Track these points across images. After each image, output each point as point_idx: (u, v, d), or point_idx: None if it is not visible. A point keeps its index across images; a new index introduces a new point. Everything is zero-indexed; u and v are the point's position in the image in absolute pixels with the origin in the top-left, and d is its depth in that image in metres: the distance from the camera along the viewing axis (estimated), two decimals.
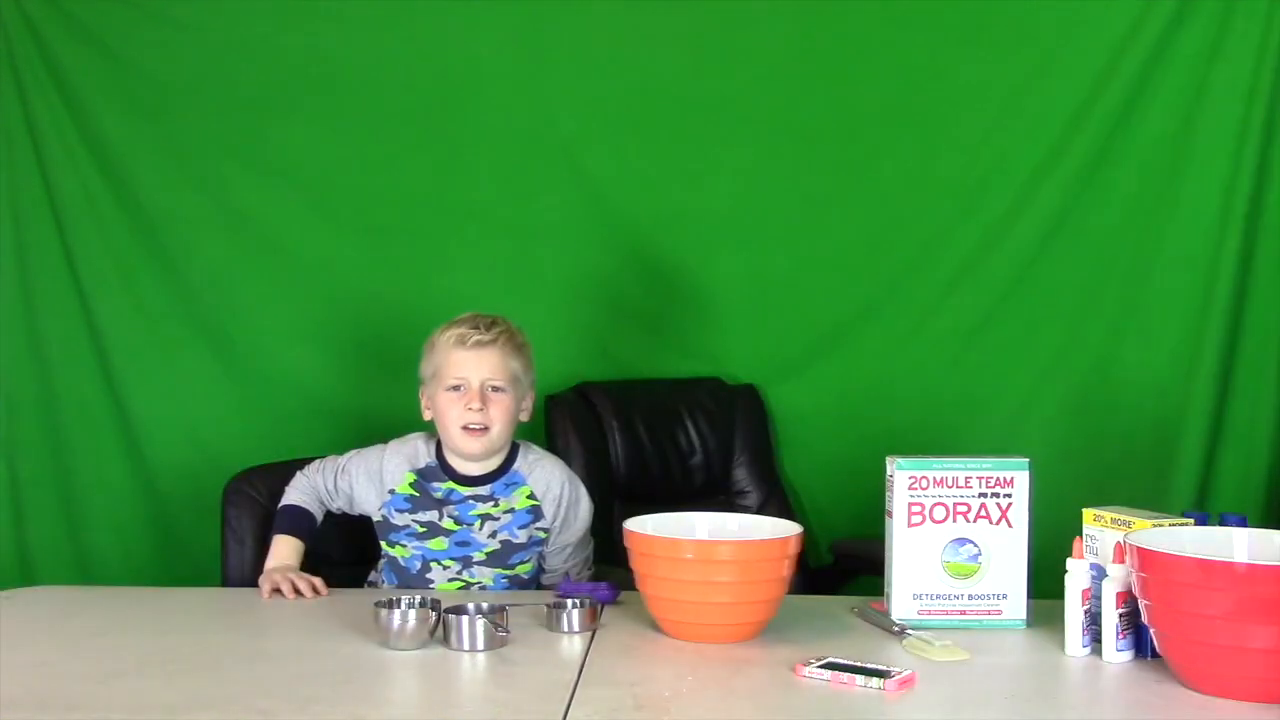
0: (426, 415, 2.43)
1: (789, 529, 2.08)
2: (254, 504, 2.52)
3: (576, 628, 2.04)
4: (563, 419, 3.02)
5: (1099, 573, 1.94)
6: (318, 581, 2.29)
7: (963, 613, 2.08)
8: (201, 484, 3.13)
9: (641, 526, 2.05)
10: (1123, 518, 1.95)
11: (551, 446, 2.97)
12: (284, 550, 2.39)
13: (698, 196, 3.20)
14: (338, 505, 2.48)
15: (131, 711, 1.70)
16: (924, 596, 2.08)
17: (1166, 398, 2.98)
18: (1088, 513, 2.02)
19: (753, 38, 3.12)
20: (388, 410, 3.15)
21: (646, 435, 3.11)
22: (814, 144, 3.15)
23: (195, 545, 2.99)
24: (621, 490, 3.05)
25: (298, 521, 2.43)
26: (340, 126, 3.13)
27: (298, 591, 2.26)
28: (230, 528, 2.51)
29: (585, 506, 2.48)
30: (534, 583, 2.46)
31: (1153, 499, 2.90)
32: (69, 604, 2.30)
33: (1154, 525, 1.91)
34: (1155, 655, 1.86)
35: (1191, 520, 1.96)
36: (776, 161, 3.16)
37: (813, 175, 3.16)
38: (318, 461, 2.50)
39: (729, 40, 3.13)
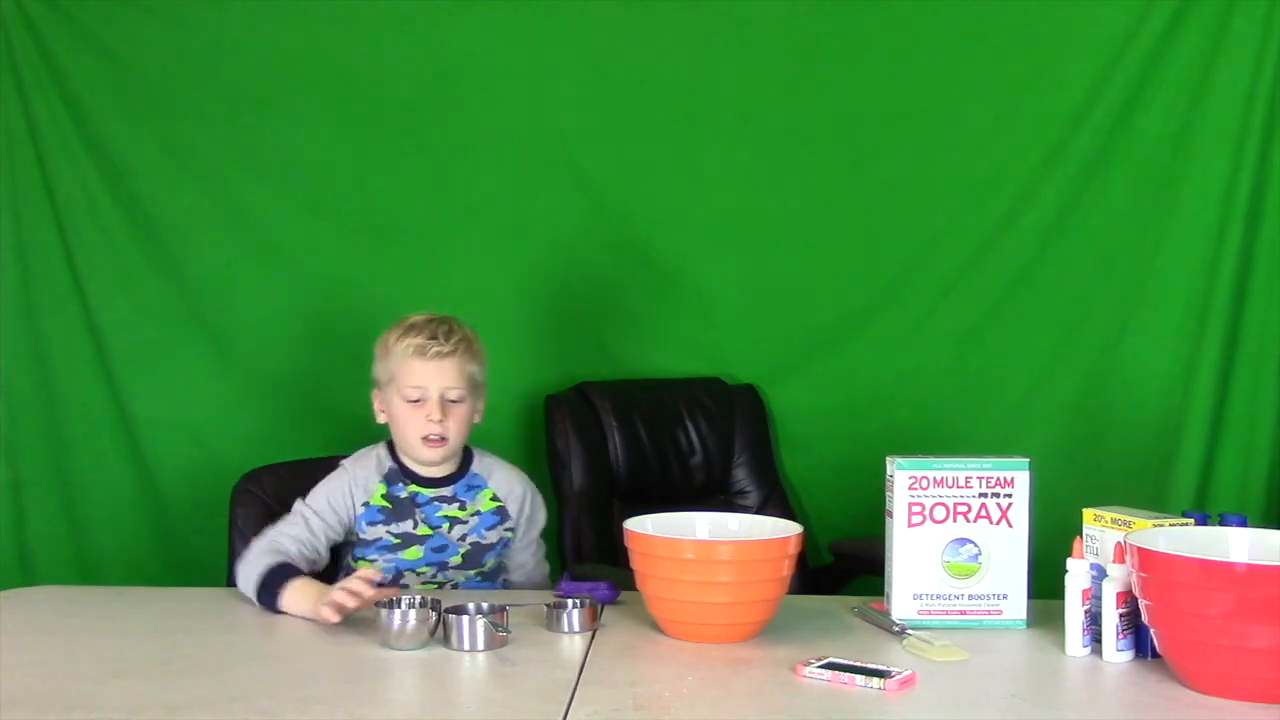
0: (381, 419, 2.41)
1: (789, 529, 2.08)
2: (261, 504, 2.52)
3: (576, 628, 2.04)
4: (563, 419, 3.02)
5: (1099, 573, 1.94)
6: (366, 574, 2.09)
7: (963, 613, 2.08)
8: (202, 484, 3.13)
9: (642, 526, 2.06)
10: (1123, 518, 1.95)
11: (551, 446, 2.97)
12: (303, 591, 2.14)
13: (698, 196, 3.20)
14: (324, 549, 2.34)
15: (132, 711, 1.70)
16: (924, 596, 2.08)
17: (1167, 397, 2.98)
18: (1088, 513, 2.02)
19: (753, 38, 3.12)
20: None
21: (646, 435, 3.11)
22: (814, 144, 3.15)
23: (196, 545, 2.99)
24: (622, 490, 3.05)
25: (287, 571, 2.19)
26: (340, 127, 3.13)
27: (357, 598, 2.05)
28: (237, 528, 2.50)
29: (543, 507, 2.51)
30: (496, 574, 2.46)
31: (1153, 499, 2.91)
32: (69, 604, 2.30)
33: (1154, 525, 1.92)
34: (1155, 655, 1.86)
35: (1192, 520, 1.96)
36: (776, 161, 3.16)
37: (813, 175, 3.16)
38: (268, 534, 2.30)
39: (729, 41, 3.13)
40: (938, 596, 2.08)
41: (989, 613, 2.08)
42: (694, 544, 2.07)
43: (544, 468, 3.00)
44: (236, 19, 3.11)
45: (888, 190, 3.15)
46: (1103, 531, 1.98)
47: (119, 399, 3.14)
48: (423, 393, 2.33)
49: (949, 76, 3.09)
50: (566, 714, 1.68)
